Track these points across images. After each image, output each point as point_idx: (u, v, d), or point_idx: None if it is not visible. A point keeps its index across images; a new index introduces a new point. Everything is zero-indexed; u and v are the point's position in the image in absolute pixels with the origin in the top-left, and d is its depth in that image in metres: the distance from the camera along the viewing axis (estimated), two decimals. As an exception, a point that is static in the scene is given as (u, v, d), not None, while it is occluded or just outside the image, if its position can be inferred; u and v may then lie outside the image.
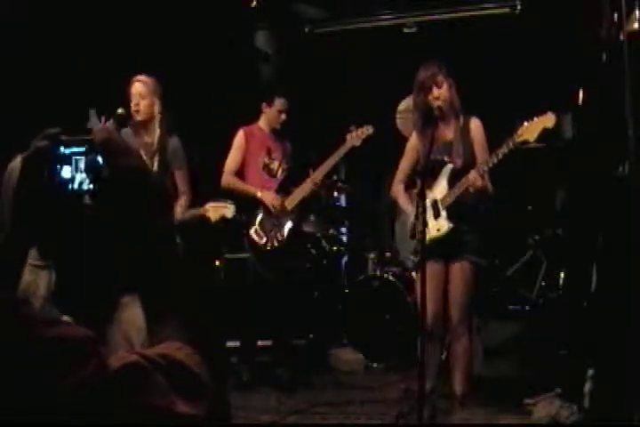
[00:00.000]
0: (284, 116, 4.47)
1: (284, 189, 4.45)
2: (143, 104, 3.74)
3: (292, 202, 4.38)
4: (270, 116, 4.48)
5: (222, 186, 4.38)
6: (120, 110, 3.55)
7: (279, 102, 4.46)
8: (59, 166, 0.80)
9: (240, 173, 4.43)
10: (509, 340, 4.18)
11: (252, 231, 4.36)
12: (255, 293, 4.38)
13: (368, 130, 4.34)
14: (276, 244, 4.35)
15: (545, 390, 3.64)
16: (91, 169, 0.80)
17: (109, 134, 0.80)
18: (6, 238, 0.80)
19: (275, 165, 4.49)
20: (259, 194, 4.35)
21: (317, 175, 4.37)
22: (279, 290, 4.35)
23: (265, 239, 4.35)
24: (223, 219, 4.07)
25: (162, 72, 3.91)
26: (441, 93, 3.42)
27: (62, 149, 0.81)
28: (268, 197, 4.35)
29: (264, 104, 4.49)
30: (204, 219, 4.17)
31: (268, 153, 4.48)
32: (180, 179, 3.95)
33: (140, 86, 3.75)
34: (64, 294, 0.90)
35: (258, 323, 4.47)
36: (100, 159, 0.80)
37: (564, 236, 4.95)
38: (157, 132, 3.81)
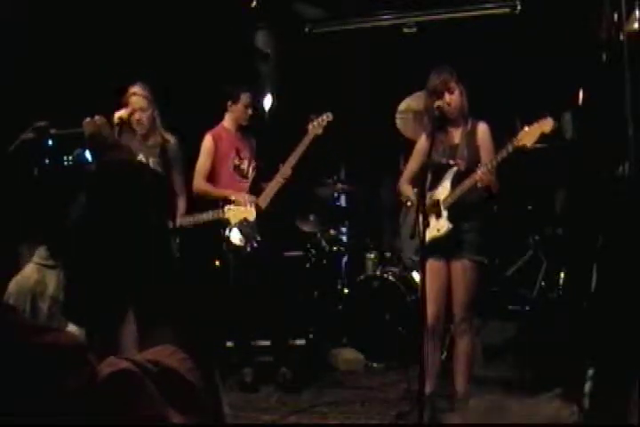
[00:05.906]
0: (250, 111, 4.48)
1: (256, 187, 4.45)
2: (145, 117, 3.95)
3: (264, 200, 4.36)
4: (237, 112, 4.47)
5: (194, 191, 4.40)
6: (120, 113, 3.59)
7: (245, 96, 4.45)
8: (47, 160, 0.80)
9: (211, 176, 4.44)
10: (509, 340, 4.17)
11: (230, 233, 4.29)
12: (243, 294, 4.38)
13: (328, 117, 4.32)
14: (255, 245, 4.35)
15: (545, 390, 3.63)
16: (77, 162, 0.79)
17: (98, 128, 0.78)
18: None
19: (245, 164, 4.52)
20: (232, 197, 4.34)
21: (286, 169, 4.32)
22: (266, 290, 4.39)
23: (244, 241, 4.31)
24: (243, 221, 4.08)
25: (160, 72, 3.92)
26: (452, 99, 3.45)
27: (50, 142, 0.81)
28: (242, 199, 4.33)
29: (229, 102, 4.48)
30: (222, 221, 4.20)
31: (237, 153, 4.50)
32: (178, 181, 4.08)
33: (139, 100, 3.88)
34: (74, 300, 0.88)
35: (259, 323, 4.46)
36: (87, 153, 0.79)
37: (564, 236, 4.94)
38: (158, 136, 4.02)
